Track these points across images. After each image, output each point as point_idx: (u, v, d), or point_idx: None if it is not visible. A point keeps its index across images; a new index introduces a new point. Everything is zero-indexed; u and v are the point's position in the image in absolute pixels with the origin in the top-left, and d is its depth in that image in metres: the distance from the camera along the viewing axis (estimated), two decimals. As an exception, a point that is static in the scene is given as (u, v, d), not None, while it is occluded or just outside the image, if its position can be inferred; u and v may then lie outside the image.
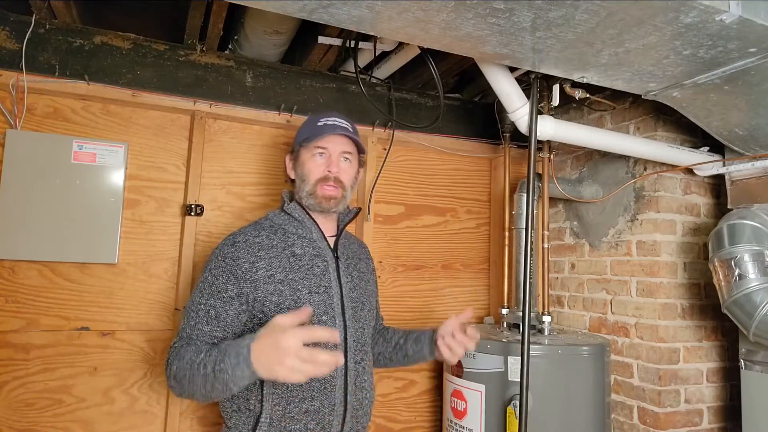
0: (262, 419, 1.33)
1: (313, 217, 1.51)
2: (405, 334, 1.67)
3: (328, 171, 1.49)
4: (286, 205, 1.52)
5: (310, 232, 1.50)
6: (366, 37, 2.00)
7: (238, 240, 1.44)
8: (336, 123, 1.51)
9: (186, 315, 1.40)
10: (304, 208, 1.51)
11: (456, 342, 1.49)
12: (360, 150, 1.57)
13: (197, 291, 1.42)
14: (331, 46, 2.07)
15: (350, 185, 1.54)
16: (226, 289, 1.37)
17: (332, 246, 1.52)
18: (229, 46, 2.17)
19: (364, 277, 1.60)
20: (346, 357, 1.42)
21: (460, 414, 1.97)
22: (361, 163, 1.61)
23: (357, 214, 1.62)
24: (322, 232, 1.51)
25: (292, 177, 1.56)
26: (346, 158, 1.53)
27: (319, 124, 1.51)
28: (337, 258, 1.50)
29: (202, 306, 1.38)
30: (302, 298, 1.39)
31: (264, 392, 1.34)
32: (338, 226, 1.58)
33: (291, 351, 1.07)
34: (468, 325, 1.53)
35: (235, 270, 1.38)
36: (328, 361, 1.09)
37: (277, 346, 1.08)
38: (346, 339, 1.44)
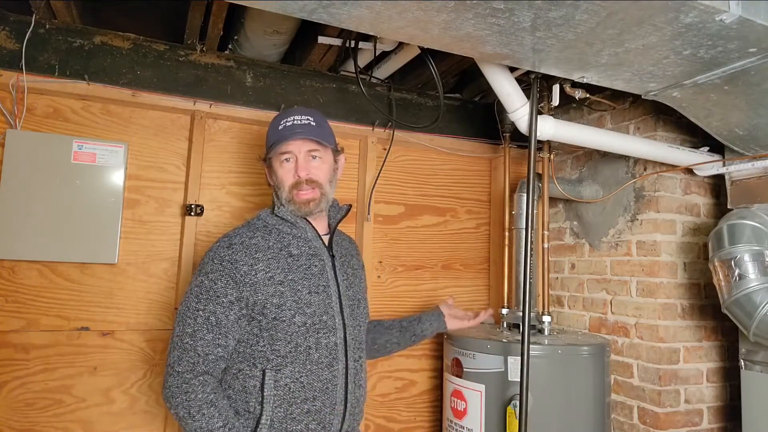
0: (262, 421, 1.32)
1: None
2: (407, 319, 1.76)
3: (297, 176, 1.44)
4: (276, 208, 1.48)
5: (305, 231, 1.48)
6: (366, 37, 2.00)
7: (234, 242, 1.40)
8: (295, 123, 1.45)
9: (182, 321, 1.34)
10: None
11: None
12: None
13: (193, 296, 1.36)
14: (331, 46, 2.07)
15: (328, 181, 1.49)
16: (225, 293, 1.34)
17: (327, 244, 1.51)
18: (229, 46, 2.17)
19: (357, 274, 1.60)
20: (346, 356, 1.42)
21: (460, 414, 1.96)
22: (338, 152, 1.55)
23: (348, 211, 1.60)
24: (317, 231, 1.50)
25: (272, 183, 1.52)
26: (314, 156, 1.47)
27: (280, 127, 1.45)
28: (332, 256, 1.50)
29: (201, 312, 1.33)
30: (303, 299, 1.39)
31: (265, 395, 1.33)
32: (329, 225, 1.57)
33: None
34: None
35: (233, 273, 1.35)
36: None
37: None
38: (345, 338, 1.43)
